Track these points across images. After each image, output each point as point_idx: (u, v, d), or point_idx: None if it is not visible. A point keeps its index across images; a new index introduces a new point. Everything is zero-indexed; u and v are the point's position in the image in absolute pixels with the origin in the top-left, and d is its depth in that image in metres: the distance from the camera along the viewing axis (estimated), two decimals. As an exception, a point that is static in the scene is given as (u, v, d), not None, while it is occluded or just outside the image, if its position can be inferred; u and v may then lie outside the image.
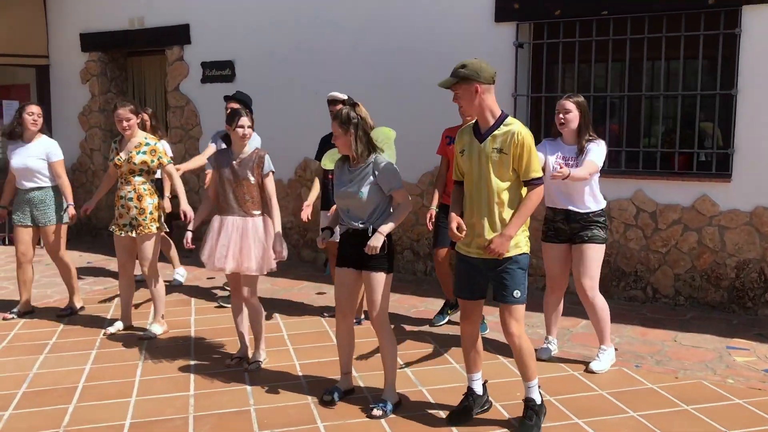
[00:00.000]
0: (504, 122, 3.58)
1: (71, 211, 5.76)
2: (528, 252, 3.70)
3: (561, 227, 4.59)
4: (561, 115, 4.54)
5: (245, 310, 4.81)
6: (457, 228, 3.63)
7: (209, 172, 5.71)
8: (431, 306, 6.11)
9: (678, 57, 6.04)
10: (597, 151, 4.40)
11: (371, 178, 3.92)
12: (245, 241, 4.52)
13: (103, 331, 5.46)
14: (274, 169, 4.61)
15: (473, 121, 3.72)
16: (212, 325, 5.66)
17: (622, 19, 6.18)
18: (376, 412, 3.95)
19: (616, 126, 6.58)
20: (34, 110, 5.73)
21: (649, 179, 6.16)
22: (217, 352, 5.00)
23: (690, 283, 6.09)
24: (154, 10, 8.75)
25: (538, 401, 3.80)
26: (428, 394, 4.24)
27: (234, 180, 4.54)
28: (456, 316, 5.38)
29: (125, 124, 5.19)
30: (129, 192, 5.22)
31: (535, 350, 4.11)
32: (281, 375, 4.57)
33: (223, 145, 5.98)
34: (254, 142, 5.73)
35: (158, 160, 5.27)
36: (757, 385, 4.37)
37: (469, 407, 3.88)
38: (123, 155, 5.23)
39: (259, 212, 4.60)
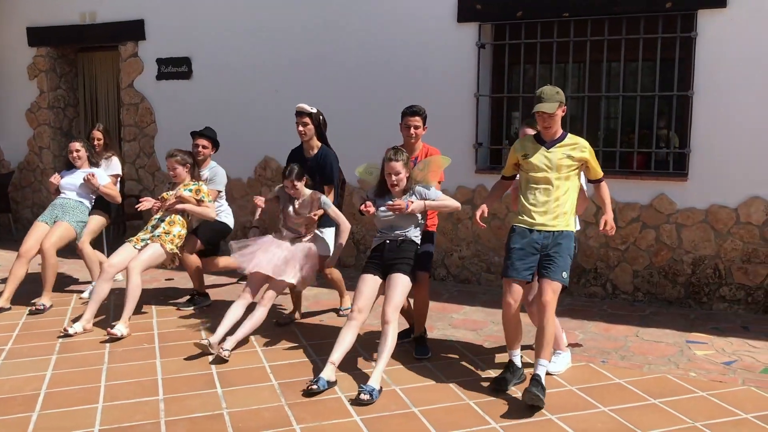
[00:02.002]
0: (567, 136, 4.30)
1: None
2: (574, 232, 4.30)
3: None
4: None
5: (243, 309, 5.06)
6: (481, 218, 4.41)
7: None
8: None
9: (637, 59, 6.19)
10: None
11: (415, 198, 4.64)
12: (294, 254, 5.09)
13: (63, 327, 5.34)
14: (330, 203, 5.18)
15: (533, 133, 4.39)
16: (175, 328, 5.54)
17: (582, 21, 6.30)
18: (364, 396, 4.07)
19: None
20: (72, 147, 6.34)
21: (609, 178, 6.15)
22: (183, 355, 4.88)
23: (648, 279, 6.25)
24: (107, 5, 8.52)
25: (543, 380, 4.10)
26: (402, 393, 4.24)
27: (295, 217, 5.21)
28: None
29: (172, 173, 5.75)
30: (165, 215, 5.68)
31: None
32: (251, 377, 4.50)
33: None
34: (219, 173, 6.09)
35: (201, 200, 5.71)
36: (718, 378, 4.52)
37: (506, 378, 4.29)
38: (172, 192, 5.72)
39: (309, 238, 5.26)
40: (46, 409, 4.03)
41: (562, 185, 4.24)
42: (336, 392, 4.24)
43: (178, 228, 5.67)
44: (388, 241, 4.65)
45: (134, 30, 8.38)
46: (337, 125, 6.22)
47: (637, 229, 6.25)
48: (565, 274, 4.16)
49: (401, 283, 4.50)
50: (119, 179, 6.69)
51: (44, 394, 4.24)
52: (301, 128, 5.45)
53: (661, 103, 6.26)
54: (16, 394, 4.23)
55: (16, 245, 8.63)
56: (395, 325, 4.39)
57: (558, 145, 4.28)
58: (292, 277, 5.04)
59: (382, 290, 4.60)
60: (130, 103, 8.56)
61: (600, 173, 4.39)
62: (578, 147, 4.28)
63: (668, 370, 4.65)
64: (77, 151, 6.32)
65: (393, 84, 7.02)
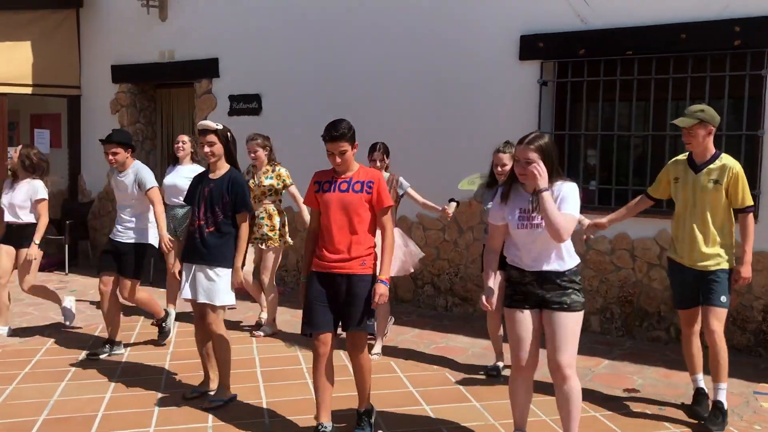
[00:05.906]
0: (719, 158, 4.28)
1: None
2: (731, 268, 4.37)
3: (531, 290, 3.68)
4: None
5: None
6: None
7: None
8: (451, 342, 6.07)
9: (703, 97, 6.03)
10: (571, 201, 3.58)
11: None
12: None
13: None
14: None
15: (686, 154, 4.40)
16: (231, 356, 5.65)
17: (647, 59, 6.20)
18: None
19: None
20: (179, 139, 6.67)
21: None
22: (236, 383, 4.97)
23: (715, 325, 5.98)
24: (185, 44, 8.95)
25: (725, 405, 4.28)
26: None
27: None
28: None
29: (252, 155, 6.15)
30: (261, 213, 6.14)
31: None
32: (298, 408, 4.55)
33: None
34: (146, 171, 5.60)
35: (282, 183, 6.18)
36: (784, 432, 4.28)
37: (701, 401, 4.48)
38: (255, 180, 6.15)
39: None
40: (101, 430, 4.19)
41: (714, 216, 4.25)
42: None
43: (278, 219, 6.16)
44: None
45: (209, 68, 8.76)
46: (401, 160, 6.35)
47: (703, 273, 6.01)
48: (724, 298, 4.26)
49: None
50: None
51: (101, 415, 4.41)
52: (207, 149, 4.59)
53: (729, 143, 6.05)
54: (76, 414, 4.42)
55: (93, 270, 9.09)
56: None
57: (706, 168, 4.28)
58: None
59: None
60: (203, 137, 8.90)
61: (746, 202, 4.28)
62: (725, 169, 4.22)
63: (731, 422, 4.42)
64: (185, 143, 6.59)
65: (454, 120, 7.07)
